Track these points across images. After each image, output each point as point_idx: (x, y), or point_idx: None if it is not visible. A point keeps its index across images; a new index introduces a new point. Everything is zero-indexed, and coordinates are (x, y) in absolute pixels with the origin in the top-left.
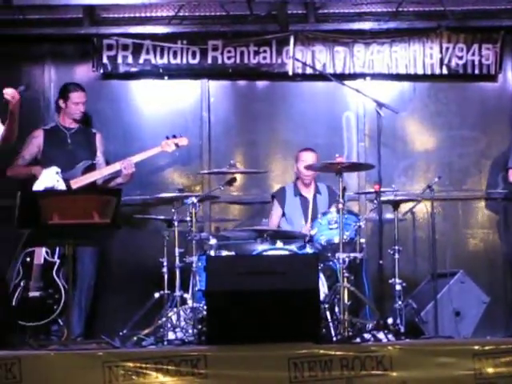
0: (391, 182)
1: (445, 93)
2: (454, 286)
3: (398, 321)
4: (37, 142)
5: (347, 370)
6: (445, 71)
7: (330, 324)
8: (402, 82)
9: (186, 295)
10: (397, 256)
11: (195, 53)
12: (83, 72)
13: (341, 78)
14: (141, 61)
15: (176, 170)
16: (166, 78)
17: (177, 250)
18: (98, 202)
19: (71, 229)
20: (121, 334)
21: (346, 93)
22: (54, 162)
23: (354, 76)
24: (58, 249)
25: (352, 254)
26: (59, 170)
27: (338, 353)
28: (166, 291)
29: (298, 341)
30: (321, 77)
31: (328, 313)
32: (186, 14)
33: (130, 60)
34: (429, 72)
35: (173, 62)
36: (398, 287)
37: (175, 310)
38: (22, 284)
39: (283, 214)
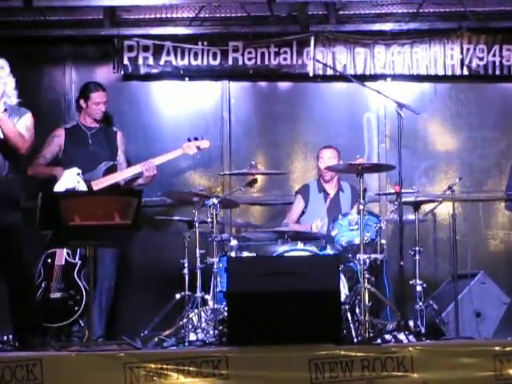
0: (412, 183)
1: (465, 94)
2: (475, 287)
3: (419, 322)
4: (58, 141)
5: (368, 371)
6: (465, 72)
7: (351, 325)
8: (422, 83)
9: (206, 296)
10: (417, 257)
11: (216, 54)
12: (104, 73)
13: (361, 79)
14: (161, 62)
15: (197, 172)
16: (186, 79)
17: (198, 251)
18: (119, 203)
19: (92, 230)
20: (142, 335)
21: (367, 94)
22: (74, 163)
23: (374, 77)
24: (78, 250)
25: (373, 255)
26: (80, 171)
27: (358, 354)
28: (187, 292)
29: (318, 342)
30: (341, 78)
31: (349, 314)
32: (207, 15)
33: (150, 61)
34: (449, 73)
35: (193, 63)
36: (418, 288)
37: (196, 311)
38: (43, 285)
39: (303, 212)
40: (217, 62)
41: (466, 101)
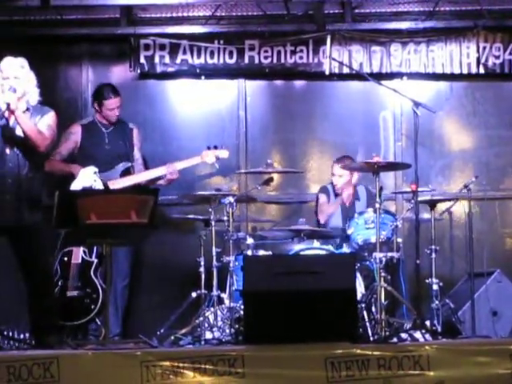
0: (428, 181)
1: (481, 92)
2: (491, 286)
3: (435, 320)
4: (74, 137)
5: (384, 370)
6: (482, 70)
7: (367, 324)
8: (438, 82)
9: (223, 295)
10: (434, 256)
11: (232, 52)
12: (120, 72)
13: (377, 77)
14: (178, 61)
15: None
16: (202, 77)
17: (214, 250)
18: (135, 202)
19: (109, 228)
20: (158, 333)
21: (383, 92)
22: (91, 161)
23: (390, 75)
24: (95, 248)
25: (389, 254)
26: (97, 170)
27: (375, 353)
28: (203, 291)
29: (335, 340)
30: (357, 76)
31: (365, 312)
32: (223, 13)
33: (167, 60)
34: (465, 71)
35: (210, 61)
36: (434, 287)
37: (212, 309)
38: (59, 283)
39: None
40: (233, 61)
41: (482, 99)
